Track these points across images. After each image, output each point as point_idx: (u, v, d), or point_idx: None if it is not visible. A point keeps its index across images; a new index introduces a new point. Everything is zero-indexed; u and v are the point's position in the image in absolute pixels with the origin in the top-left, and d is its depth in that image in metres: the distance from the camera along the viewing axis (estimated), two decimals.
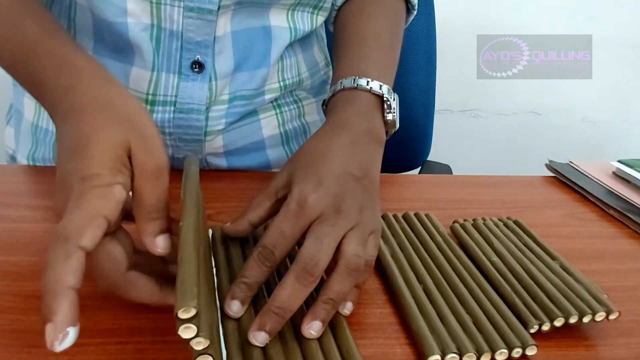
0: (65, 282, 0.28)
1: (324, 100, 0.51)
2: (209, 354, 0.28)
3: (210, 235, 0.43)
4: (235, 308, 0.34)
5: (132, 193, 0.34)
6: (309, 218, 0.36)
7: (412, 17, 0.65)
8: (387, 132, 0.48)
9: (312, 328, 0.34)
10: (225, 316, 0.35)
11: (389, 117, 0.47)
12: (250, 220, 0.41)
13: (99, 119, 0.34)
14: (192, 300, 0.27)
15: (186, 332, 0.27)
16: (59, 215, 0.31)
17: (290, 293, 0.33)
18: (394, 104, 0.48)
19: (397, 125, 0.49)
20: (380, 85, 0.48)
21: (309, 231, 0.36)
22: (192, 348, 0.27)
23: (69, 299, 0.28)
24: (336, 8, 0.62)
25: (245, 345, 0.33)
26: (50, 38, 0.41)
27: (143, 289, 0.33)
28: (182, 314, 0.26)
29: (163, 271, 0.35)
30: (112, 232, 0.33)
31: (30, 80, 0.41)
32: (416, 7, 0.64)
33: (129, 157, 0.34)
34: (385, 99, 0.47)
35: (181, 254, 0.30)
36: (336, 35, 0.59)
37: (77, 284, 0.28)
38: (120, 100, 0.36)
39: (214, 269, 0.40)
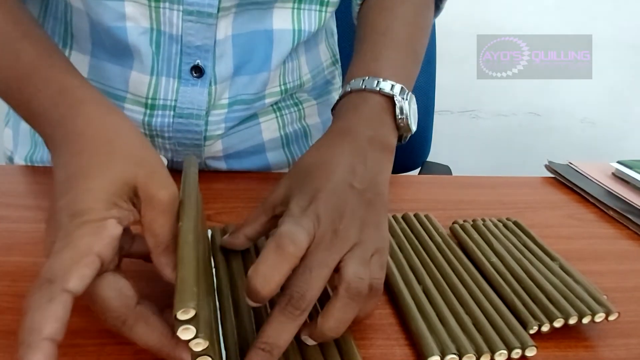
0: (41, 331, 0.25)
1: (334, 105, 0.48)
2: (208, 355, 0.28)
3: (209, 236, 0.43)
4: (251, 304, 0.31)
5: (144, 228, 0.33)
6: (312, 231, 0.33)
7: (444, 4, 0.60)
8: (402, 136, 0.45)
9: (309, 342, 0.33)
10: (224, 316, 0.35)
11: (400, 120, 0.43)
12: (247, 235, 0.40)
13: (102, 153, 0.33)
14: (191, 301, 0.26)
15: (185, 333, 0.26)
16: (47, 257, 0.29)
17: (276, 328, 0.30)
18: (407, 106, 0.44)
19: (414, 129, 0.45)
20: (392, 86, 0.44)
21: (302, 258, 0.32)
22: (191, 349, 0.27)
23: (42, 353, 0.24)
24: (358, 2, 0.58)
25: (244, 346, 0.33)
26: (46, 63, 0.39)
27: (154, 327, 0.30)
28: (181, 315, 0.26)
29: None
30: (111, 270, 0.31)
31: (26, 108, 0.38)
32: None
33: (135, 194, 0.32)
34: (396, 100, 0.44)
35: (181, 254, 0.29)
36: (356, 33, 0.56)
37: (56, 333, 0.25)
38: (124, 133, 0.35)
39: (214, 270, 0.40)
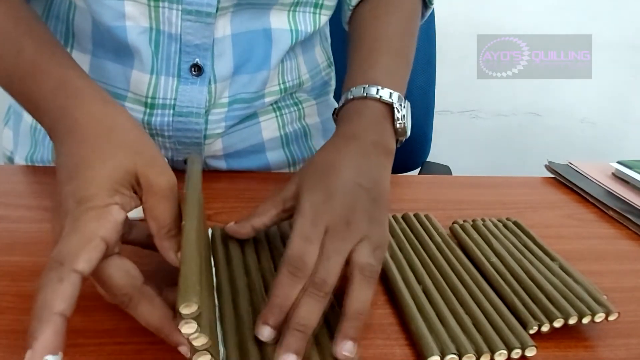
0: (53, 307, 0.27)
1: (335, 109, 0.51)
2: (207, 351, 0.28)
3: (210, 235, 0.44)
4: (266, 334, 0.33)
5: (146, 214, 0.34)
6: (324, 225, 0.36)
7: (429, 12, 0.63)
8: (398, 140, 0.48)
9: (345, 349, 0.33)
10: (223, 315, 0.35)
11: (399, 126, 0.47)
12: (254, 226, 0.41)
13: (102, 144, 0.34)
14: (195, 296, 0.27)
15: (187, 327, 0.27)
16: (56, 242, 0.30)
17: (306, 310, 0.33)
18: (404, 112, 0.47)
19: (409, 133, 0.48)
20: (391, 94, 0.47)
21: (320, 247, 0.35)
22: (191, 344, 0.28)
23: (53, 326, 0.27)
24: (351, 8, 0.60)
25: (242, 344, 0.33)
26: (46, 58, 0.40)
27: (157, 307, 0.32)
28: (184, 310, 0.26)
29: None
30: (116, 254, 0.33)
31: (28, 101, 0.40)
32: (434, 1, 0.62)
33: (137, 181, 0.34)
34: (395, 108, 0.47)
35: (184, 252, 0.30)
36: (350, 38, 0.58)
37: (66, 309, 0.28)
38: (121, 123, 0.36)
39: (213, 269, 0.40)
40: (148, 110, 0.54)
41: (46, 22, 0.56)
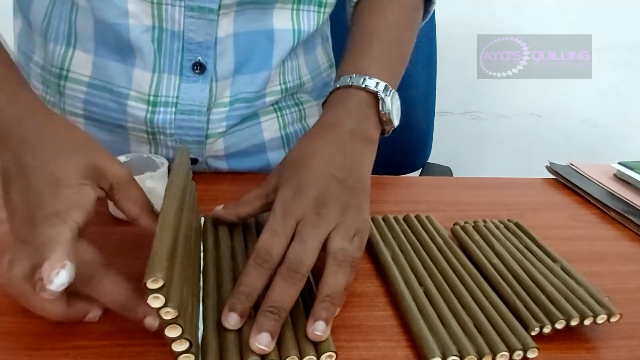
0: (63, 235, 0.31)
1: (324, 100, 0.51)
2: (177, 324, 0.29)
3: (202, 222, 0.45)
4: (232, 322, 0.33)
5: (122, 203, 0.38)
6: (295, 219, 0.37)
7: (433, 7, 0.63)
8: (385, 130, 0.49)
9: (317, 329, 0.34)
10: (206, 296, 0.37)
11: (383, 115, 0.47)
12: (239, 215, 0.44)
13: (61, 146, 0.37)
14: (161, 271, 0.28)
15: (154, 301, 0.28)
16: (18, 240, 0.33)
17: (280, 292, 0.34)
18: (390, 102, 0.47)
19: (396, 123, 0.49)
20: (377, 83, 0.47)
21: (294, 235, 0.37)
22: (161, 318, 0.29)
23: (64, 247, 0.30)
24: (352, 4, 0.61)
25: (221, 323, 0.34)
26: (1, 74, 0.41)
27: (118, 284, 0.34)
28: (151, 284, 0.28)
29: None
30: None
31: None
32: None
33: (100, 175, 0.36)
34: (379, 97, 0.47)
35: (158, 231, 0.32)
36: (348, 32, 0.59)
37: (74, 234, 0.32)
38: (71, 130, 0.39)
39: (202, 253, 0.41)
40: (150, 108, 0.54)
41: (49, 23, 0.56)
